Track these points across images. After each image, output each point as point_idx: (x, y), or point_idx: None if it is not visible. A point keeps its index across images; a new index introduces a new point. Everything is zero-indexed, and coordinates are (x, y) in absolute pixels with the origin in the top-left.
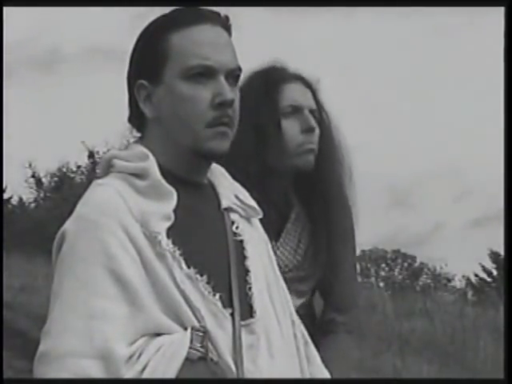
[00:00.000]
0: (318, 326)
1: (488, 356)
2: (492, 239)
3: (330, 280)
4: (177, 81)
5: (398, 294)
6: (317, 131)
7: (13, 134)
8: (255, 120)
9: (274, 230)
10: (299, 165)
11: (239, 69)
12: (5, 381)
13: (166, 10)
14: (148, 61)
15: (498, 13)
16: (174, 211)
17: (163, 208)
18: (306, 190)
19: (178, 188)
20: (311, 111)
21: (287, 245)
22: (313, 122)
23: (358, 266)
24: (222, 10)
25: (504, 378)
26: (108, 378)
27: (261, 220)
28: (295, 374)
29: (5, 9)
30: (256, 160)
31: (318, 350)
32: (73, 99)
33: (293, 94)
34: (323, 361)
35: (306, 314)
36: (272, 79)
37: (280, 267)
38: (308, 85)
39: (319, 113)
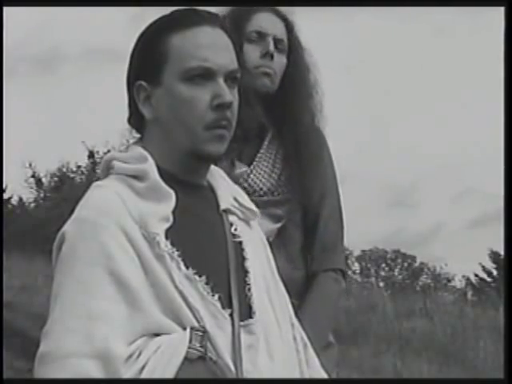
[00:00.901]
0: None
1: (488, 356)
2: (492, 239)
3: (315, 212)
4: (176, 82)
5: (398, 294)
6: (277, 58)
7: (13, 134)
8: None
9: (248, 154)
10: (256, 86)
11: (238, 70)
12: (5, 381)
13: (167, 10)
14: (147, 62)
15: (498, 13)
16: (173, 212)
17: (162, 209)
18: (276, 116)
19: (177, 189)
20: (276, 39)
21: (261, 169)
22: (272, 48)
23: (357, 266)
24: (222, 11)
25: (504, 377)
26: (108, 378)
27: (235, 143)
28: (294, 376)
29: (5, 9)
30: None
31: (306, 294)
32: (73, 99)
33: (260, 21)
34: (308, 301)
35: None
36: (246, 9)
37: (255, 191)
38: (281, 16)
39: (289, 43)
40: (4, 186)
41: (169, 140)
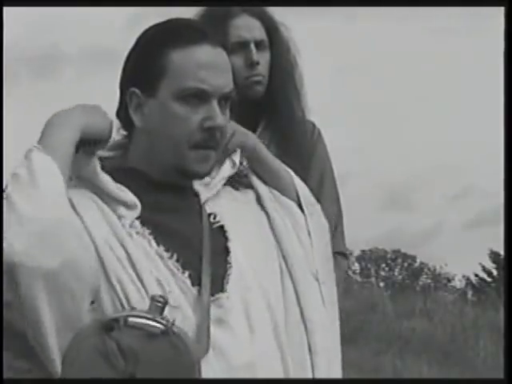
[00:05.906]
0: None
1: (488, 356)
2: (492, 239)
3: (315, 194)
4: (170, 99)
5: (398, 294)
6: (262, 59)
7: (13, 134)
8: None
9: None
10: (248, 95)
11: (233, 90)
12: (5, 381)
13: (166, 10)
14: (144, 72)
15: (498, 13)
16: (146, 198)
17: (130, 196)
18: (267, 110)
19: (152, 187)
20: (257, 43)
21: None
22: (254, 56)
23: (357, 266)
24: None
25: (504, 377)
26: (110, 378)
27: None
28: (277, 349)
29: (5, 9)
30: None
31: None
32: (73, 99)
33: (237, 30)
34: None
35: None
36: (219, 16)
37: None
38: (256, 15)
39: (269, 38)
40: (4, 186)
41: (155, 152)
